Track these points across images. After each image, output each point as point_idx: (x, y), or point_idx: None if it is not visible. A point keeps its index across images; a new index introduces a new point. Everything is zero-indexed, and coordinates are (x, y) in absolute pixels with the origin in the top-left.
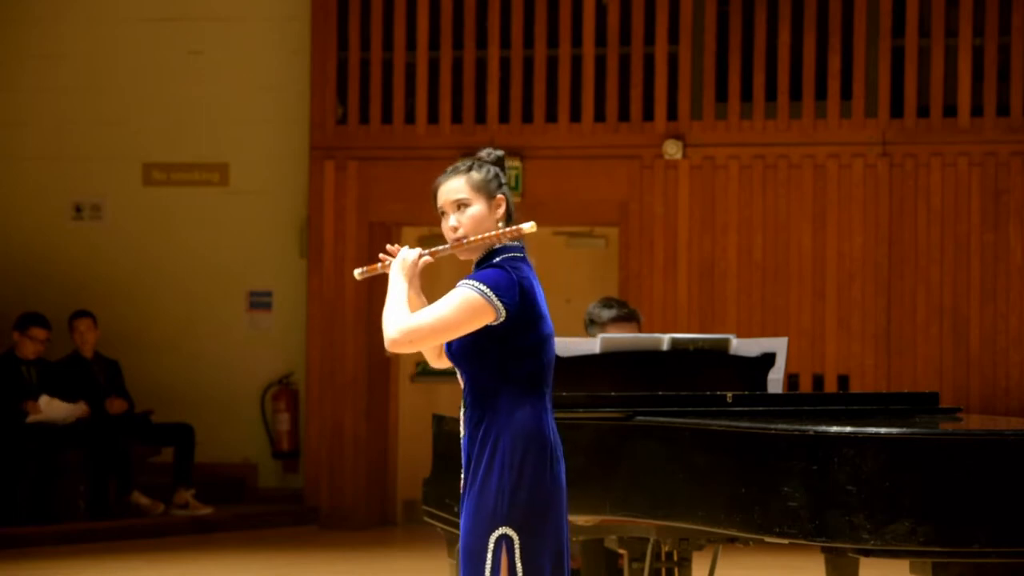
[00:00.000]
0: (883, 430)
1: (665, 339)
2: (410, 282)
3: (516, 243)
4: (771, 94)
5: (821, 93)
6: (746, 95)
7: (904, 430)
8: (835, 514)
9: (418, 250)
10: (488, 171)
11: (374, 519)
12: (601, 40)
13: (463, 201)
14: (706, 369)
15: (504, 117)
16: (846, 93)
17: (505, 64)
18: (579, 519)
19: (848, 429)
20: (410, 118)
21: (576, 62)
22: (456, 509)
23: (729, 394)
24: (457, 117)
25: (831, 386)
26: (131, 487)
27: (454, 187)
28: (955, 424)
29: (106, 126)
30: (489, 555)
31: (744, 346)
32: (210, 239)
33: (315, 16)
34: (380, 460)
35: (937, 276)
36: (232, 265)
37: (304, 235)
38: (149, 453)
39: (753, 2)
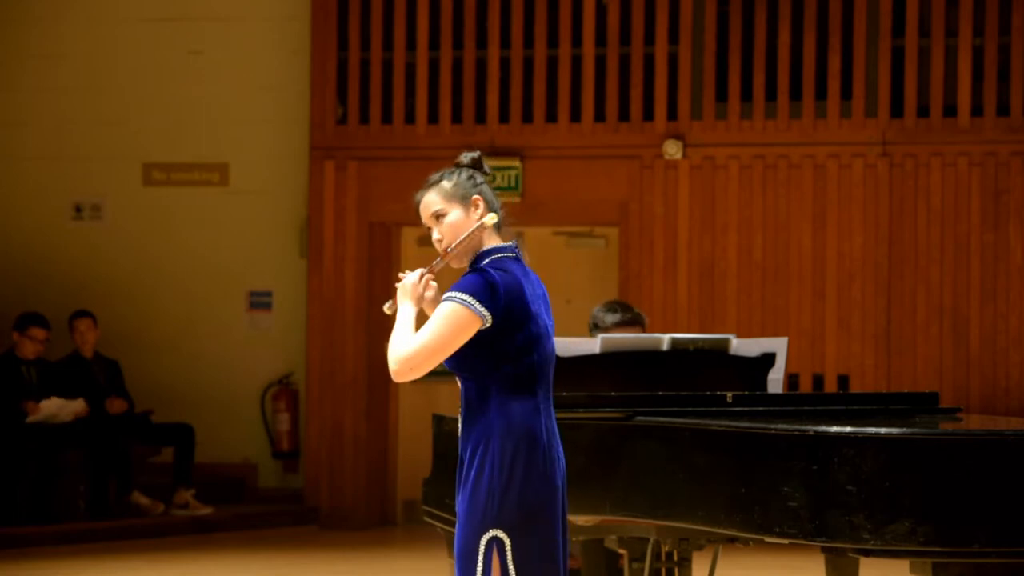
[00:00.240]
0: (883, 430)
1: (665, 339)
2: (418, 304)
3: (508, 243)
4: (771, 94)
5: (821, 93)
6: (746, 95)
7: (904, 430)
8: (835, 514)
9: (419, 271)
10: (459, 175)
11: (374, 519)
12: (601, 40)
13: (439, 212)
14: (706, 369)
15: (504, 117)
16: (846, 93)
17: (505, 64)
18: (579, 519)
19: (848, 429)
20: (410, 118)
21: (576, 62)
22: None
23: (729, 394)
24: (457, 117)
25: (831, 386)
26: (131, 487)
27: (429, 201)
28: (955, 424)
29: (106, 126)
30: (480, 557)
31: (744, 346)
32: (210, 239)
33: (315, 16)
34: (380, 460)
35: (937, 276)
36: (232, 265)
37: (304, 235)
38: (149, 453)
39: (753, 2)
